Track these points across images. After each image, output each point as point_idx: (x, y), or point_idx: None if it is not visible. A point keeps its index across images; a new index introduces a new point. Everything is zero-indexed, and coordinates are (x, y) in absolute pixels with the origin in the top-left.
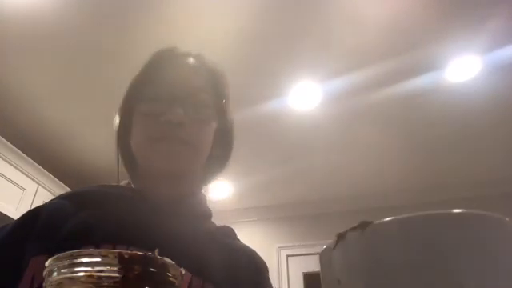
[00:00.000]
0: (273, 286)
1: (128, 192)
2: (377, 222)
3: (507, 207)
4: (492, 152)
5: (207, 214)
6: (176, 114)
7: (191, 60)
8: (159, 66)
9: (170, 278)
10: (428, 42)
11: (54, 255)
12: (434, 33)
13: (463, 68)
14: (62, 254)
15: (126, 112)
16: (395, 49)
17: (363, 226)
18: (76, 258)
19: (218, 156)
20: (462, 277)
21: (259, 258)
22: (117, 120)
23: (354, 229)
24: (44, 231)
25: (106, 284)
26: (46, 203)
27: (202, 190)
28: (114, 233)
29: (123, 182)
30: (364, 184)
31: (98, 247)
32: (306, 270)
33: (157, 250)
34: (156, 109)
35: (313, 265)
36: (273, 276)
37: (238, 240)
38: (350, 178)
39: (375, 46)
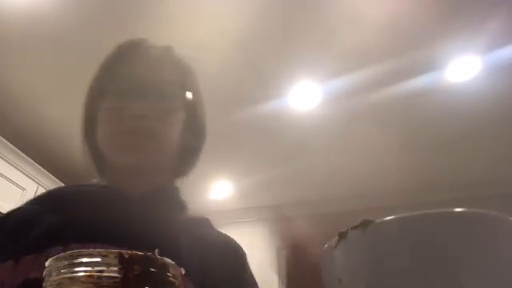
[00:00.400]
0: (251, 270)
1: (98, 189)
2: (378, 220)
3: (508, 207)
4: (492, 152)
5: (182, 206)
6: (138, 107)
7: (157, 52)
8: (122, 58)
9: (170, 278)
10: (428, 42)
11: (22, 259)
12: (433, 33)
13: (463, 68)
14: (62, 254)
15: (91, 106)
16: (395, 49)
17: (364, 224)
18: (76, 258)
19: (190, 148)
20: (463, 276)
21: (236, 244)
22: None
23: (355, 227)
24: (11, 237)
25: (106, 284)
26: (14, 209)
27: (176, 183)
28: (85, 231)
29: (95, 180)
30: (364, 184)
31: (67, 247)
32: None
33: (157, 250)
34: (120, 102)
35: None
36: (273, 276)
37: (214, 229)
38: (349, 177)
39: (375, 46)
